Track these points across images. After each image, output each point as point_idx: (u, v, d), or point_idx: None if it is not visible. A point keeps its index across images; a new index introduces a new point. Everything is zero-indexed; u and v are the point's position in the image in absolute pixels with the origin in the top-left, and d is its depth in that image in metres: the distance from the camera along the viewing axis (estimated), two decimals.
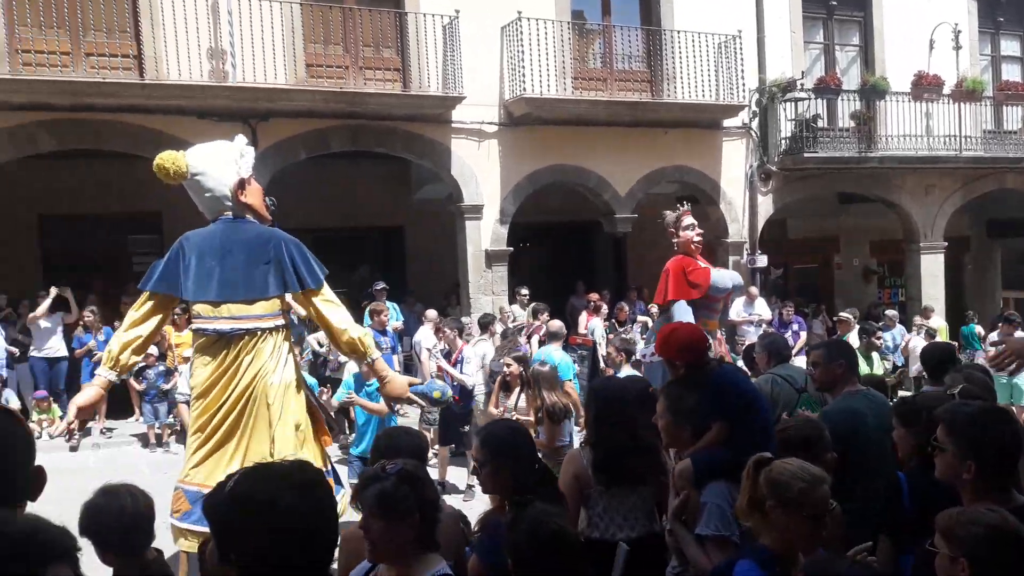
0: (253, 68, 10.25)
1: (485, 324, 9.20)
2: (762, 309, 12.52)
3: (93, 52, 10.07)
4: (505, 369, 6.73)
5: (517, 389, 6.50)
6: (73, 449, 9.76)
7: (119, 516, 2.64)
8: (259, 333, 4.31)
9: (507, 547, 2.45)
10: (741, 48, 12.93)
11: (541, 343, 8.68)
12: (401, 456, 2.60)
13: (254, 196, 4.51)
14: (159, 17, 9.94)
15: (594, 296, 12.71)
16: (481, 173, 12.28)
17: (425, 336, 10.32)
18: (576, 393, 7.32)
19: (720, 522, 2.97)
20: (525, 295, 12.25)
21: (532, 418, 6.25)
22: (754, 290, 12.74)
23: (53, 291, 10.36)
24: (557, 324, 7.86)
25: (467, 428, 7.97)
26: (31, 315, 10.37)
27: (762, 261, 13.84)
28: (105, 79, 9.89)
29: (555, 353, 7.16)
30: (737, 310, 12.12)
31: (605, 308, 12.46)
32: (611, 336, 12.13)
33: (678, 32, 12.72)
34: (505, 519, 2.78)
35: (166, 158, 4.34)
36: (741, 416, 3.18)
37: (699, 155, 13.56)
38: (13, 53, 9.79)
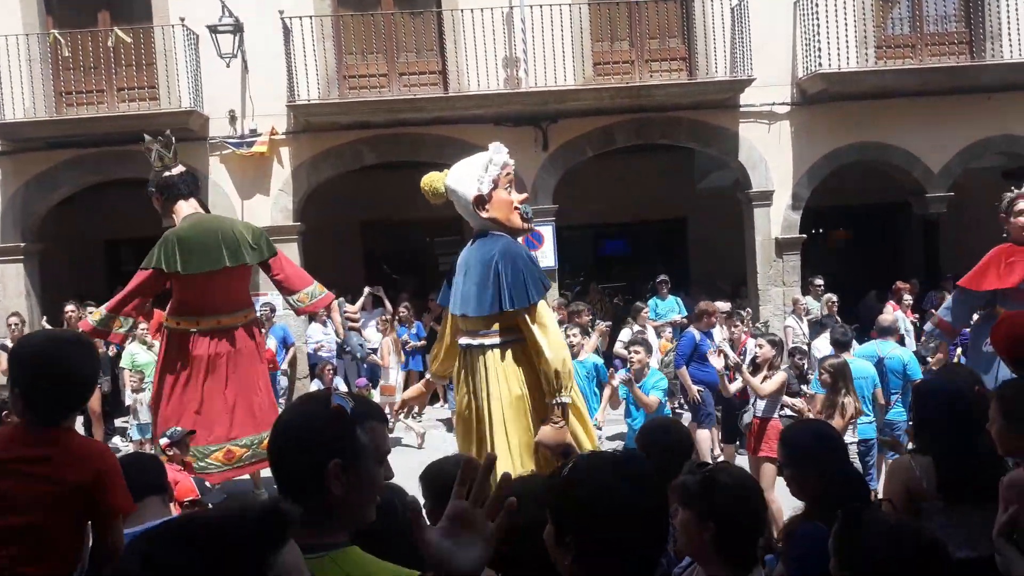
0: (544, 72, 10.70)
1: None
2: None
3: (405, 72, 11.17)
4: (757, 351, 6.47)
5: (764, 371, 6.21)
6: (389, 430, 10.89)
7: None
8: (492, 348, 4.29)
9: (848, 556, 2.25)
10: None
11: None
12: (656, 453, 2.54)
13: (498, 209, 4.32)
14: (460, 33, 10.73)
15: (902, 285, 11.57)
16: (771, 157, 11.73)
17: (714, 332, 10.00)
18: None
19: None
20: (820, 285, 11.49)
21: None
22: None
23: (366, 290, 11.62)
24: (890, 318, 7.24)
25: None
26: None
27: None
28: (416, 96, 10.90)
29: (895, 350, 6.59)
30: None
31: (910, 298, 11.24)
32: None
33: None
34: (810, 527, 2.59)
35: (426, 181, 4.46)
36: None
37: None
38: (341, 80, 11.15)
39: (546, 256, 11.28)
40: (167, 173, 6.56)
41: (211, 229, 6.42)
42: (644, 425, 3.48)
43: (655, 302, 11.51)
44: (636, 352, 6.69)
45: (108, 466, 2.58)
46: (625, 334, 9.68)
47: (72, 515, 2.48)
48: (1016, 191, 5.62)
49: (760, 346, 6.37)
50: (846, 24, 10.92)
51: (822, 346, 8.48)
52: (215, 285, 6.48)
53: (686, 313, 11.72)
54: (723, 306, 10.35)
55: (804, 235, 11.95)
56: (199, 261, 6.18)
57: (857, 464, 5.57)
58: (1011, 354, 3.16)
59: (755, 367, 6.39)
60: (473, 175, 4.34)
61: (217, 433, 6.16)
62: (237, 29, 10.63)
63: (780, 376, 6.14)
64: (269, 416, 6.55)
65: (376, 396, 11.65)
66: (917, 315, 11.29)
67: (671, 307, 11.56)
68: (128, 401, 9.28)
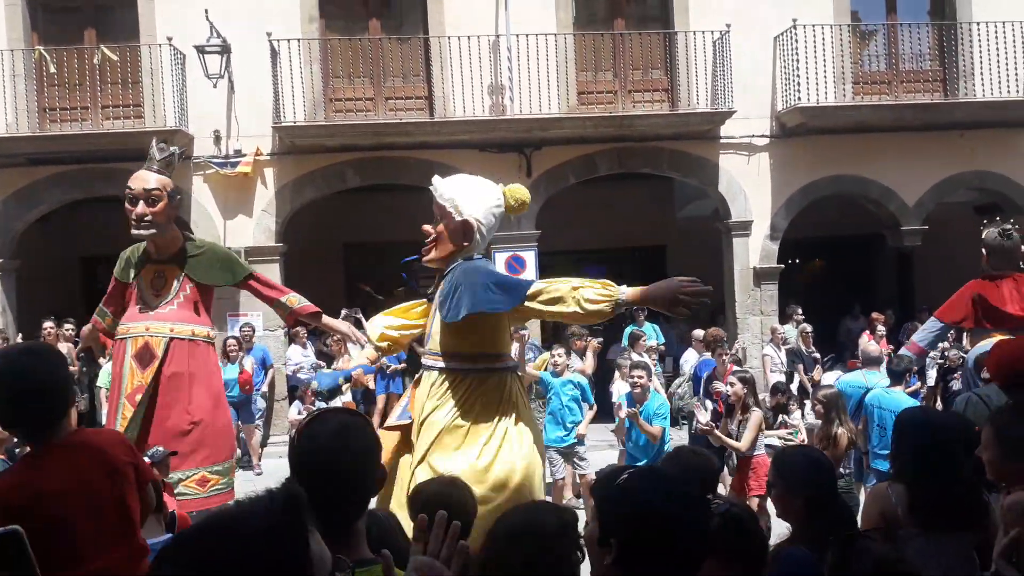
0: (529, 100, 10.84)
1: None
2: None
3: (392, 96, 11.27)
4: (728, 389, 6.30)
5: (738, 412, 6.07)
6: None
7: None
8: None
9: None
10: None
11: None
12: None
13: None
14: (447, 59, 10.86)
15: (877, 316, 11.75)
16: (750, 188, 11.93)
17: (690, 359, 10.12)
18: None
19: None
20: (802, 316, 11.64)
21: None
22: None
23: (344, 312, 11.60)
24: (875, 347, 7.28)
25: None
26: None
27: None
28: (402, 120, 11.00)
29: (883, 381, 6.62)
30: None
31: (882, 329, 11.40)
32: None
33: (976, 24, 11.48)
34: (795, 551, 2.66)
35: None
36: None
37: (1002, 158, 12.12)
38: (328, 102, 11.22)
39: None
40: None
41: None
42: (673, 452, 3.55)
43: (631, 329, 11.59)
44: (639, 376, 6.71)
45: (129, 441, 2.84)
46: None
47: (134, 489, 2.68)
48: None
49: (732, 384, 6.23)
50: (824, 60, 11.18)
51: (832, 381, 8.38)
52: None
53: (664, 340, 11.84)
54: (699, 334, 10.44)
55: (782, 265, 12.12)
56: None
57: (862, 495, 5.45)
58: (1003, 379, 3.24)
59: (729, 408, 6.26)
60: None
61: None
62: (224, 50, 10.68)
63: (755, 418, 6.00)
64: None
65: None
66: (892, 346, 11.46)
67: (648, 335, 11.65)
68: (105, 420, 9.16)
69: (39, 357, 2.60)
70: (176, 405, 5.07)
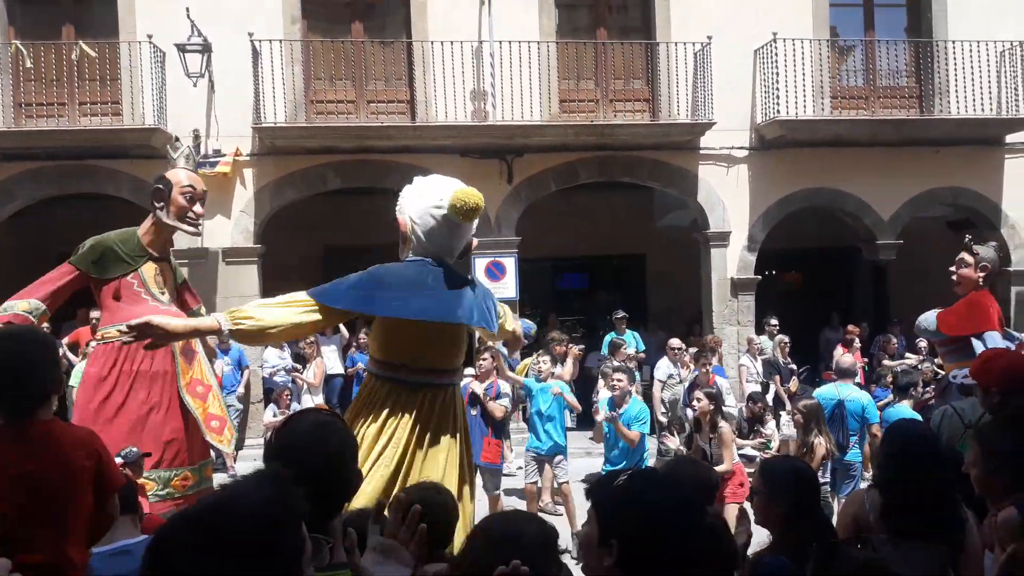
0: (511, 107, 10.87)
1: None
2: None
3: (373, 99, 11.25)
4: (695, 404, 6.37)
5: (706, 427, 6.15)
6: None
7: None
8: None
9: None
10: None
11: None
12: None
13: None
14: (430, 64, 10.86)
15: (853, 329, 11.88)
16: (729, 199, 12.03)
17: (662, 366, 10.10)
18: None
19: None
20: (775, 325, 11.73)
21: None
22: None
23: None
24: (848, 360, 7.35)
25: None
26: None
27: None
28: (383, 123, 10.97)
29: (854, 393, 6.68)
30: None
31: (858, 342, 11.53)
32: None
33: (952, 43, 11.68)
34: (774, 560, 2.69)
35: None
36: None
37: (977, 175, 12.33)
38: (309, 104, 11.17)
39: (507, 287, 11.37)
40: None
41: None
42: (672, 462, 3.60)
43: (611, 337, 11.60)
44: (619, 380, 6.75)
45: (103, 446, 2.75)
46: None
47: (91, 494, 2.63)
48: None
49: (698, 400, 6.32)
50: (803, 74, 11.32)
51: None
52: None
53: (644, 348, 11.87)
54: (676, 343, 10.47)
55: (759, 276, 12.23)
56: None
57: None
58: (1006, 384, 3.26)
59: (696, 423, 6.34)
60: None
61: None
62: (205, 49, 10.60)
63: (727, 436, 6.10)
64: None
65: None
66: (866, 359, 11.60)
67: (628, 343, 11.67)
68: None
69: (15, 341, 2.62)
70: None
